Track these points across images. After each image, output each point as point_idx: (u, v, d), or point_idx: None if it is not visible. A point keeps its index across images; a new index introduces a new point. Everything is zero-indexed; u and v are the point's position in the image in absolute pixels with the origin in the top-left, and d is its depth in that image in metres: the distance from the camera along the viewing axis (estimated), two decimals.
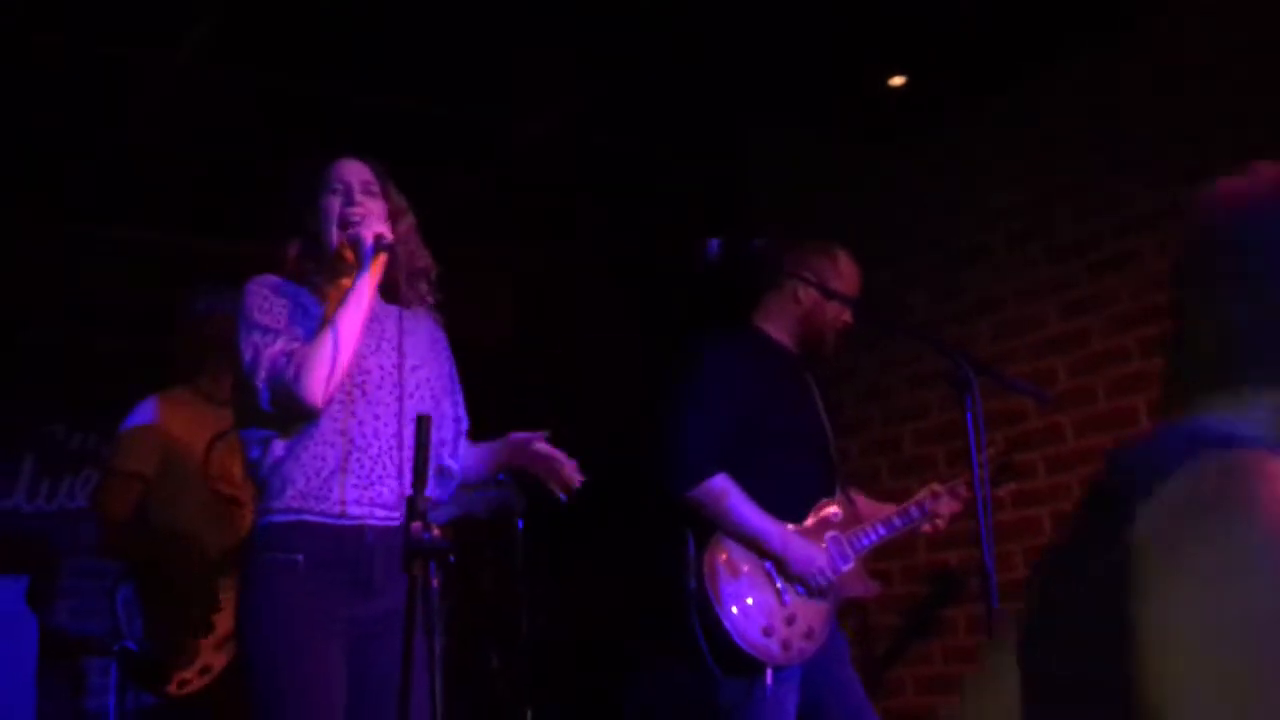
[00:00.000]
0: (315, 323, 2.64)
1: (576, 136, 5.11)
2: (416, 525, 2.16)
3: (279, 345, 2.57)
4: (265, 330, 2.60)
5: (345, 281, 2.70)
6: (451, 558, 2.40)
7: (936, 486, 3.55)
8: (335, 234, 2.70)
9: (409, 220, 2.84)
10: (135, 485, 3.46)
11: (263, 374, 2.55)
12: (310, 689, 2.50)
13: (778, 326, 3.54)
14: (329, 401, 2.56)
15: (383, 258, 2.66)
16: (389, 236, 2.66)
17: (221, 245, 4.88)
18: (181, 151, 4.90)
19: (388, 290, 2.77)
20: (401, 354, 2.71)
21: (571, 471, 2.83)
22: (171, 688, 3.36)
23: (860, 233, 4.89)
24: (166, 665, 3.38)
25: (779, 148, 5.36)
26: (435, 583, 2.16)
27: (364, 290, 2.61)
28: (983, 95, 4.81)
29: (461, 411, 2.92)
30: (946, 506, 3.51)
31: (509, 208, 5.65)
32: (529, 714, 4.82)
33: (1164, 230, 4.23)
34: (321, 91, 4.55)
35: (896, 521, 3.47)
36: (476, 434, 2.97)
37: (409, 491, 2.53)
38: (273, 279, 2.72)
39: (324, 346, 2.54)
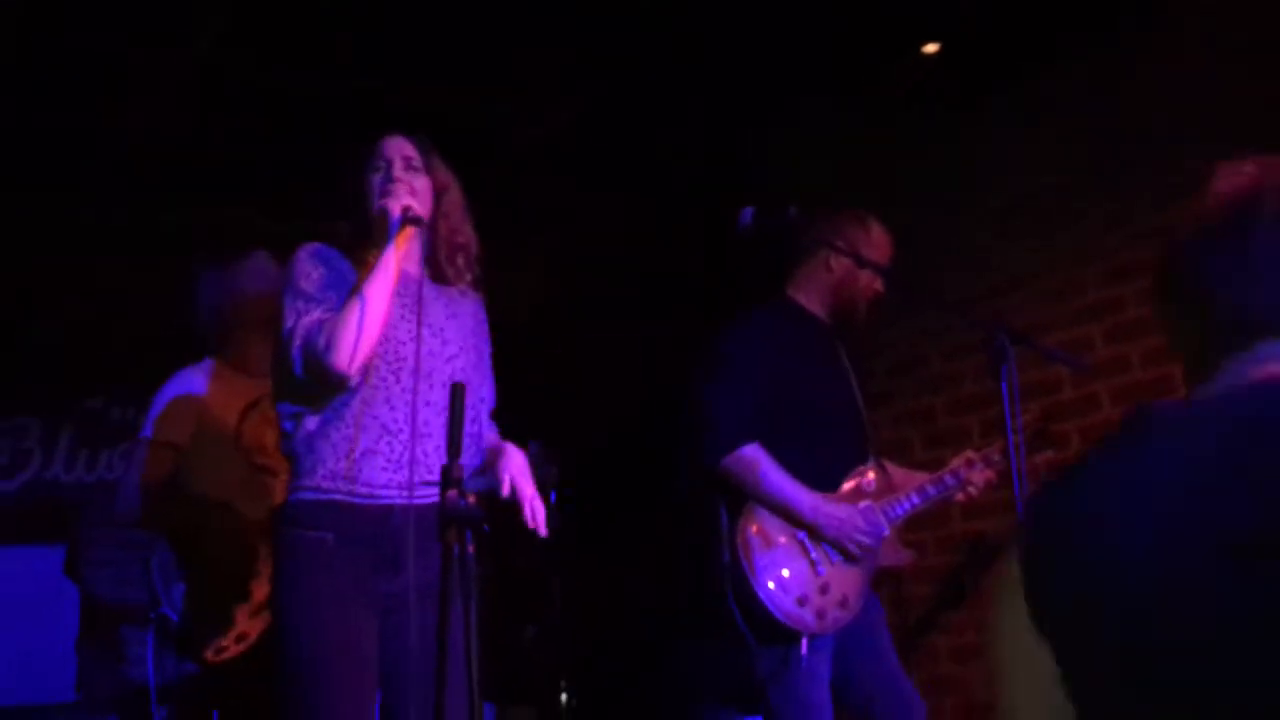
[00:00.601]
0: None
1: (578, 136, 5.10)
2: (452, 494, 2.17)
3: (315, 315, 2.60)
4: (307, 298, 2.64)
5: (377, 254, 2.70)
6: (486, 527, 2.42)
7: (971, 454, 3.53)
8: (372, 209, 2.71)
9: (454, 195, 2.84)
10: (169, 455, 3.48)
11: (298, 341, 2.59)
12: (341, 661, 2.54)
13: (810, 297, 3.53)
14: (361, 371, 2.58)
15: (410, 230, 2.67)
16: (416, 209, 2.66)
17: (259, 220, 4.91)
18: (216, 130, 4.93)
19: (434, 271, 2.80)
20: (443, 341, 2.73)
21: (541, 519, 2.76)
22: (208, 654, 3.39)
23: (898, 199, 4.88)
24: (202, 632, 3.41)
25: (816, 116, 5.33)
26: (471, 550, 2.17)
27: (389, 261, 2.61)
28: (1025, 61, 4.77)
29: (487, 393, 2.93)
30: (980, 475, 3.48)
31: (511, 207, 5.65)
32: (563, 686, 4.85)
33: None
34: (324, 90, 4.58)
35: (930, 490, 3.45)
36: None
37: (434, 477, 2.54)
38: (318, 246, 2.76)
39: (351, 315, 2.55)
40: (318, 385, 2.61)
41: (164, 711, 4.33)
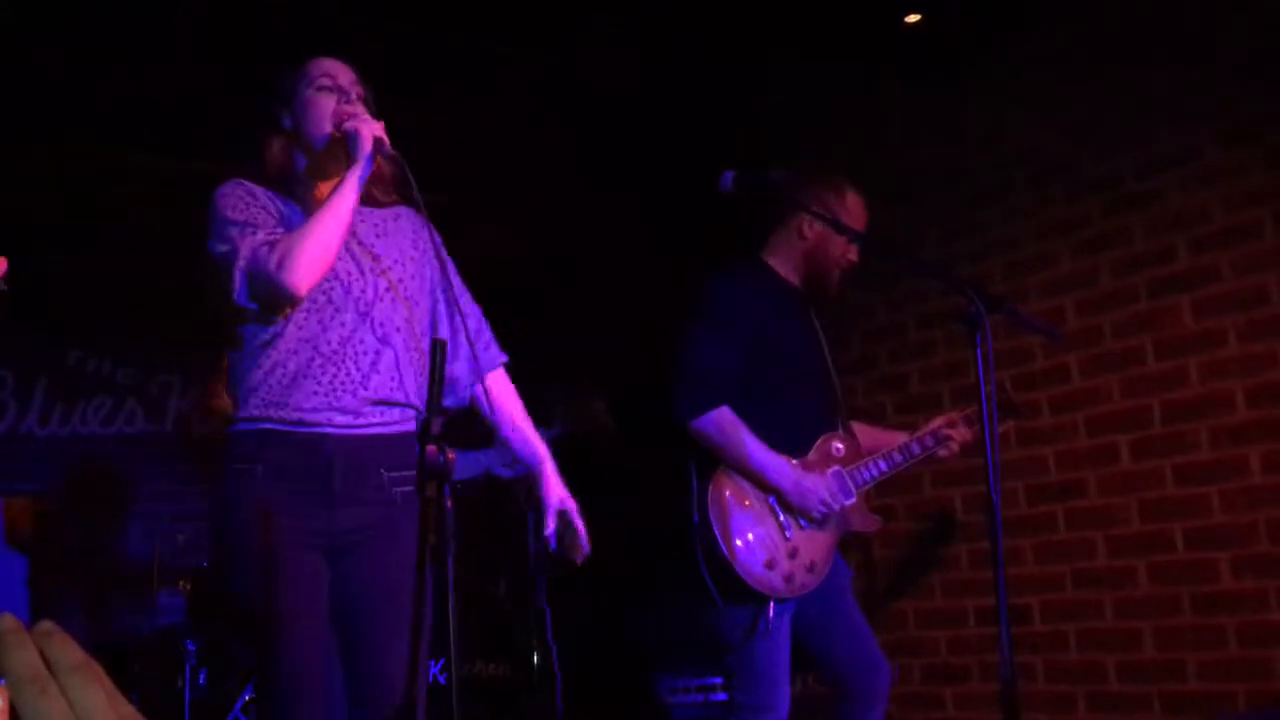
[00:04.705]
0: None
1: (593, 67, 5.10)
2: (431, 449, 2.16)
3: (260, 236, 2.48)
4: (242, 225, 2.50)
5: (323, 186, 2.61)
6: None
7: (954, 415, 3.55)
8: (327, 130, 2.59)
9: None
10: None
11: (241, 263, 2.45)
12: (280, 597, 2.45)
13: (783, 262, 3.52)
14: (310, 289, 2.47)
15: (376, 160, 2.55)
16: (387, 141, 2.53)
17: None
18: (200, 78, 4.89)
19: (362, 194, 2.61)
20: (373, 258, 2.62)
21: (584, 544, 2.76)
22: None
23: (878, 167, 4.90)
24: None
25: (797, 81, 5.34)
26: (449, 505, 2.17)
27: (354, 185, 2.49)
28: (1007, 30, 4.78)
29: (463, 311, 2.76)
30: (960, 433, 3.49)
31: (524, 138, 5.64)
32: (535, 642, 4.88)
33: (1187, 169, 4.24)
34: (338, 19, 4.54)
35: (897, 457, 3.46)
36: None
37: (370, 394, 2.52)
38: (248, 184, 2.61)
39: (312, 233, 2.44)
40: (257, 311, 2.50)
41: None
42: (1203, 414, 4.15)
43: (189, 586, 4.80)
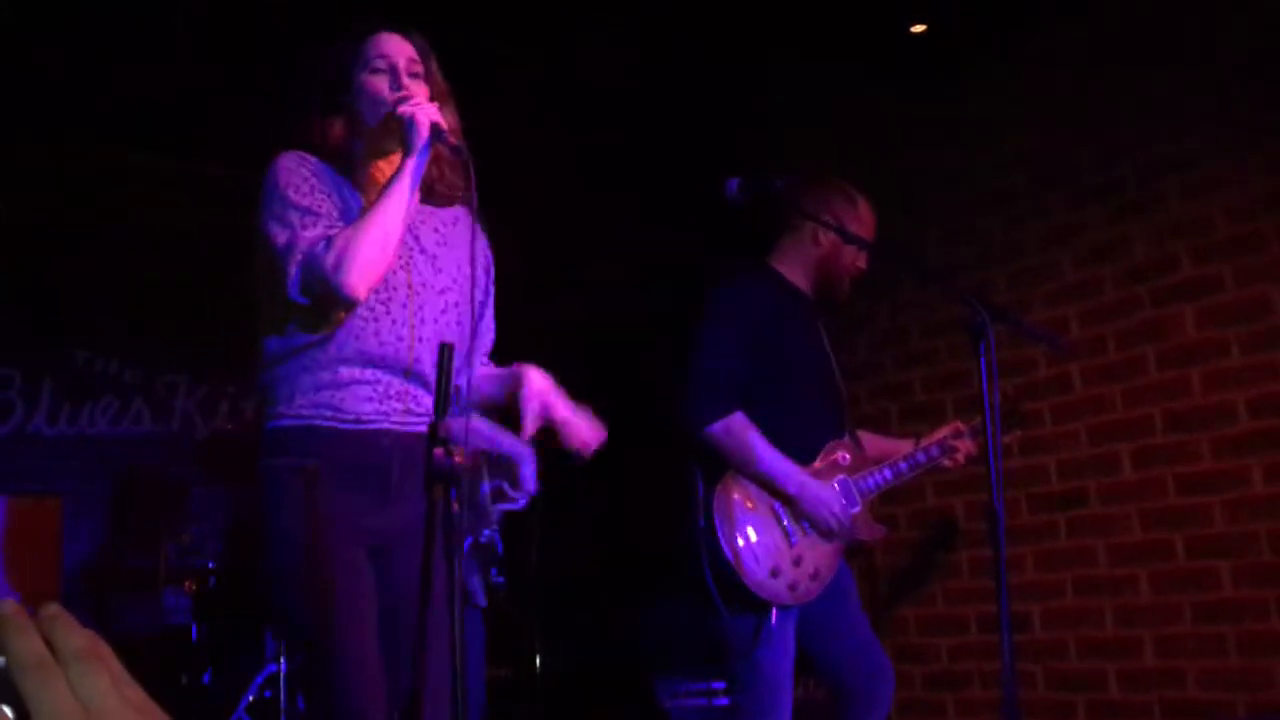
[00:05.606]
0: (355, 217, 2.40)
1: (593, 68, 5.09)
2: (439, 451, 2.14)
3: (318, 229, 2.34)
4: (302, 211, 2.35)
5: (382, 166, 2.48)
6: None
7: (960, 425, 3.54)
8: (379, 115, 2.44)
9: (452, 105, 2.56)
10: None
11: (299, 256, 2.30)
12: (340, 592, 2.37)
13: (793, 269, 3.51)
14: (368, 293, 2.35)
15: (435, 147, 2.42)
16: (445, 126, 2.38)
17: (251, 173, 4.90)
18: (200, 78, 4.87)
19: (424, 190, 2.48)
20: (436, 269, 2.53)
21: (589, 432, 2.53)
22: None
23: (877, 167, 4.90)
24: None
25: (797, 81, 5.34)
26: (456, 508, 2.15)
27: (409, 178, 2.34)
28: (1007, 30, 4.79)
29: (484, 326, 2.71)
30: (965, 444, 3.48)
31: (524, 138, 5.63)
32: (537, 647, 4.87)
33: (1188, 174, 4.23)
34: (338, 19, 4.52)
35: (903, 466, 3.45)
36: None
37: (423, 409, 2.45)
38: (314, 160, 2.45)
39: (367, 231, 2.29)
40: (315, 310, 2.36)
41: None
42: (1205, 424, 4.15)
43: (194, 586, 4.80)
